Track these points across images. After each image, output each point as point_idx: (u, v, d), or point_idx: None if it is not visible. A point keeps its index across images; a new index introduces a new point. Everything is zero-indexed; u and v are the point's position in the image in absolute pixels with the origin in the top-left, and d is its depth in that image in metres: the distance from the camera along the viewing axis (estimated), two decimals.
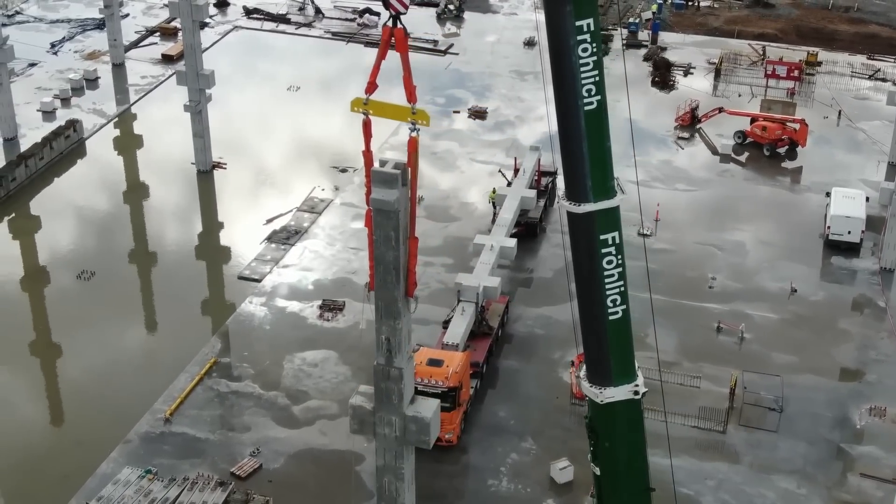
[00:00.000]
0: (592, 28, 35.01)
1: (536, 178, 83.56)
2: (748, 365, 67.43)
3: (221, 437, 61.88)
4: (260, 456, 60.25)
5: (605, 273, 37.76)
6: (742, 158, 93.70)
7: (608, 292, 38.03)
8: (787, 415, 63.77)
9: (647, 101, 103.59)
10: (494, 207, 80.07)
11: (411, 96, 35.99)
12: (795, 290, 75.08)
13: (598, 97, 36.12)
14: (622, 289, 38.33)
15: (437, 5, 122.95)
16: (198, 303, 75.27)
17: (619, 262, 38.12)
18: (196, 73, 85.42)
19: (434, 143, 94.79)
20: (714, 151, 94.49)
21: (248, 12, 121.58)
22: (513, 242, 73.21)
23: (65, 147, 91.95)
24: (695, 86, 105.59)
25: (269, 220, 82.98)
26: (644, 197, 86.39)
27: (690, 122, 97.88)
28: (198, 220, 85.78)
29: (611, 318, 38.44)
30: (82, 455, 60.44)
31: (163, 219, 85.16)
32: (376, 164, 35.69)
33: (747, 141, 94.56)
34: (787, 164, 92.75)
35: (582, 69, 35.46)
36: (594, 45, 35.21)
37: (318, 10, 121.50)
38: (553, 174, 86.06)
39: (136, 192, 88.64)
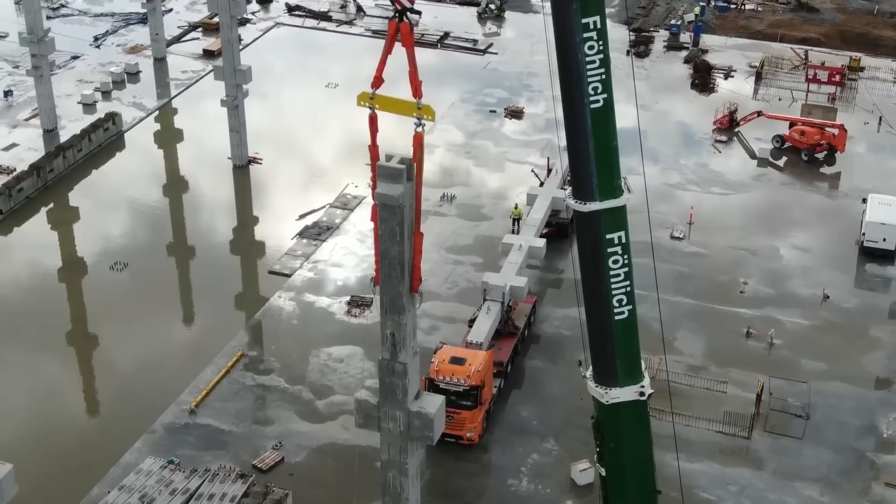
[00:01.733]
0: (599, 26, 34.91)
1: (570, 178, 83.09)
2: (777, 371, 66.86)
3: (245, 430, 62.25)
4: (282, 449, 60.57)
5: (611, 273, 37.59)
6: (780, 163, 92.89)
7: (614, 292, 37.85)
8: (813, 422, 63.15)
9: (686, 103, 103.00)
10: (515, 224, 79.50)
11: (417, 91, 36.00)
12: (828, 297, 74.30)
13: (605, 95, 35.98)
14: (628, 289, 38.14)
15: (478, 4, 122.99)
16: (228, 296, 75.76)
17: (626, 261, 37.94)
18: (233, 68, 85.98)
19: (469, 141, 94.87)
20: (752, 155, 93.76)
21: (291, 9, 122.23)
22: (542, 243, 73.03)
23: (103, 139, 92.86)
24: (735, 89, 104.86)
25: (302, 216, 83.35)
26: (678, 200, 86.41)
27: (729, 126, 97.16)
28: (233, 214, 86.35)
29: (616, 318, 38.27)
30: (107, 444, 61.01)
31: (198, 213, 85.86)
32: (382, 159, 35.76)
33: (785, 145, 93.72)
34: (825, 170, 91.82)
35: (588, 67, 35.36)
36: (600, 42, 35.10)
37: (359, 8, 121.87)
38: None
39: (173, 185, 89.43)
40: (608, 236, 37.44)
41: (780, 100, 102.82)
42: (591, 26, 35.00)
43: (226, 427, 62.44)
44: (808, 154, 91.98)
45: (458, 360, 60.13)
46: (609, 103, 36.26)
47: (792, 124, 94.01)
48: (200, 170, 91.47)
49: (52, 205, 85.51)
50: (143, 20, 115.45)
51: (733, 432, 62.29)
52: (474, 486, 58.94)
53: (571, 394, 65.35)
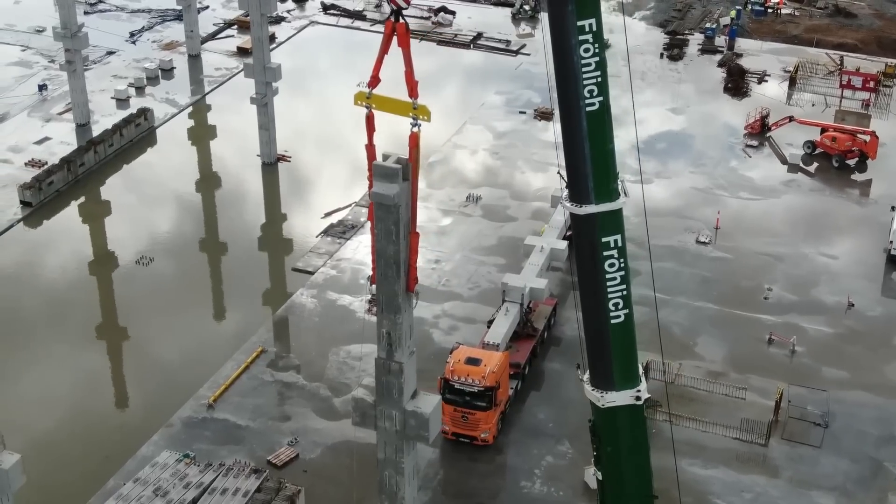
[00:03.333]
0: (595, 28, 34.78)
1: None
2: (797, 378, 66.39)
3: (261, 426, 62.63)
4: (297, 445, 60.90)
5: (608, 276, 37.45)
6: (811, 169, 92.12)
7: (610, 296, 37.70)
8: (832, 430, 62.62)
9: (718, 107, 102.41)
10: None
11: (412, 91, 36.11)
12: (853, 305, 73.62)
13: (601, 98, 35.82)
14: (625, 293, 37.97)
15: (512, 5, 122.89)
16: (252, 292, 76.26)
17: (622, 265, 37.78)
18: (263, 66, 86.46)
19: (497, 142, 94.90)
20: (783, 161, 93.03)
21: (326, 8, 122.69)
22: (564, 245, 72.80)
23: (135, 135, 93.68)
24: (768, 93, 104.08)
25: (327, 214, 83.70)
26: (706, 204, 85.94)
27: (760, 131, 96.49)
28: (261, 211, 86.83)
29: (613, 321, 38.09)
30: (125, 437, 61.68)
31: (226, 209, 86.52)
32: (379, 158, 35.90)
33: (817, 151, 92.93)
34: (856, 177, 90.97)
35: (584, 69, 35.23)
36: (596, 45, 34.95)
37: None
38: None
39: (202, 181, 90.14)
40: (604, 239, 37.31)
41: (813, 105, 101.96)
42: (587, 29, 34.90)
43: (243, 422, 62.85)
44: (838, 160, 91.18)
45: (473, 361, 60.14)
46: (605, 106, 36.10)
47: (823, 130, 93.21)
48: (230, 166, 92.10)
49: (82, 198, 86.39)
50: (179, 17, 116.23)
51: (750, 439, 61.88)
52: (488, 486, 58.95)
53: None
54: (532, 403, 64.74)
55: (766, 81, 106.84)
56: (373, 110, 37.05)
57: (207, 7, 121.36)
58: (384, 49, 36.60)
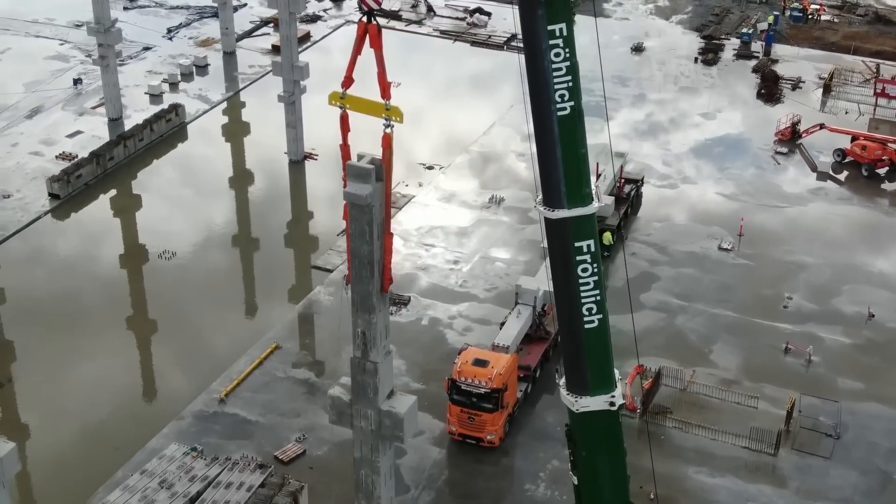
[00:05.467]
0: (565, 33, 34.74)
1: (619, 184, 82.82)
2: (812, 389, 65.79)
3: (271, 421, 63.10)
4: (305, 442, 61.27)
5: (581, 281, 37.38)
6: (841, 177, 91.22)
7: (584, 301, 37.63)
8: (843, 442, 62.01)
9: (750, 113, 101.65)
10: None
11: (385, 93, 36.32)
12: (873, 315, 72.81)
13: (572, 103, 35.76)
14: (598, 298, 37.88)
15: None
16: (271, 289, 77.00)
17: (595, 270, 37.68)
18: (291, 64, 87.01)
19: (523, 144, 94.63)
20: (812, 168, 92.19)
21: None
22: None
23: (165, 130, 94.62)
24: (802, 100, 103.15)
25: None
26: (731, 211, 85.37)
27: (791, 137, 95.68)
28: (287, 208, 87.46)
29: (587, 326, 38.02)
30: (136, 429, 62.38)
31: (252, 206, 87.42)
32: (354, 158, 36.14)
33: (847, 160, 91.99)
34: (886, 186, 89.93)
35: (555, 74, 35.18)
36: (567, 50, 34.89)
37: (429, 8, 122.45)
38: (638, 182, 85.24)
39: (229, 177, 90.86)
40: (577, 244, 37.24)
41: (846, 113, 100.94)
42: (558, 33, 34.85)
43: (252, 417, 63.37)
44: (868, 169, 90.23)
45: (480, 363, 60.20)
46: (577, 111, 36.02)
47: (854, 138, 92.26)
48: (258, 163, 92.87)
49: (112, 192, 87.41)
50: (216, 14, 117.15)
51: (759, 448, 61.41)
52: (492, 488, 59.00)
53: None
54: (542, 407, 64.67)
55: (801, 88, 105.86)
56: (347, 111, 37.26)
57: (245, 4, 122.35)
58: (357, 50, 36.92)
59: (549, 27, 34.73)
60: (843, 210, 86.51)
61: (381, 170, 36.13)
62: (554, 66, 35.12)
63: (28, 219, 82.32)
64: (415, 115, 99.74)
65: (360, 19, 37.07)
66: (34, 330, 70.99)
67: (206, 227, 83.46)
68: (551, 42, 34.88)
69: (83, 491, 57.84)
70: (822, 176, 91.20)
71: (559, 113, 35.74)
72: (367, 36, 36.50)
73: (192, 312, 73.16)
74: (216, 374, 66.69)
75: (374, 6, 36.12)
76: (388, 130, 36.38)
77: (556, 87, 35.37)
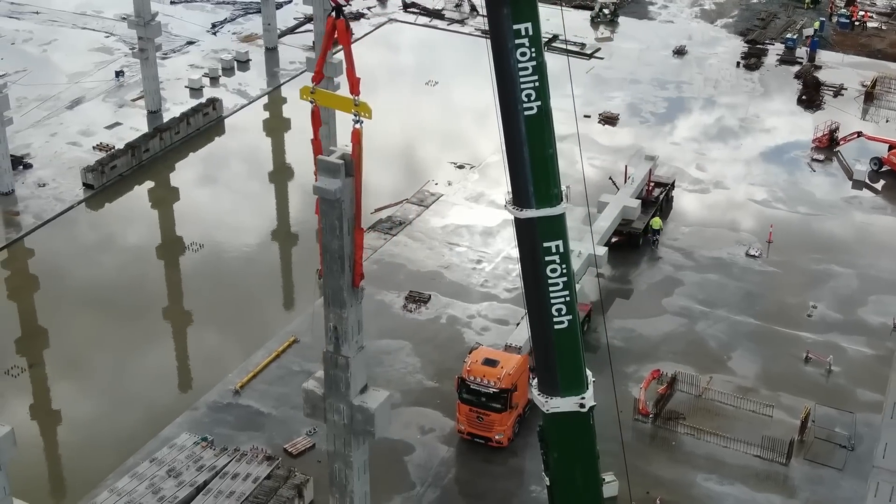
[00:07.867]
0: (531, 33, 34.65)
1: (648, 188, 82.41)
2: (830, 399, 65.08)
3: (283, 414, 63.60)
4: (315, 436, 61.62)
5: (550, 281, 37.29)
6: (877, 186, 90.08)
7: (553, 301, 37.55)
8: (857, 453, 61.23)
9: (789, 119, 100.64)
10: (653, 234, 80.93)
11: (354, 88, 36.52)
12: None
13: (539, 103, 35.66)
14: (567, 299, 37.77)
15: (591, 8, 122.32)
16: (298, 284, 77.60)
17: (564, 271, 37.57)
18: (326, 61, 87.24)
19: (558, 145, 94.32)
20: (848, 176, 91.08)
21: (406, 6, 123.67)
22: (603, 251, 72.38)
23: (202, 124, 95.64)
24: (843, 107, 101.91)
25: (378, 210, 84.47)
26: (761, 217, 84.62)
27: (828, 145, 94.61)
28: (312, 204, 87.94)
29: (556, 327, 37.93)
30: (151, 417, 63.20)
31: (281, 199, 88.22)
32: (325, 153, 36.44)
33: (884, 168, 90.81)
34: None
35: (521, 74, 35.09)
36: (533, 49, 34.80)
37: (472, 8, 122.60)
38: (668, 185, 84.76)
39: (262, 171, 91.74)
40: (545, 244, 37.15)
41: (887, 121, 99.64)
42: (523, 32, 34.75)
43: (265, 410, 63.96)
44: None
45: (490, 362, 60.26)
46: (544, 111, 35.94)
47: (892, 147, 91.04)
48: (289, 158, 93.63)
49: (147, 183, 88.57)
50: (260, 10, 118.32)
51: (771, 457, 60.88)
52: (498, 488, 59.07)
53: (613, 406, 64.64)
54: None
55: (842, 95, 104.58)
56: (317, 105, 37.58)
57: (291, 1, 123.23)
58: (326, 45, 37.23)
59: (515, 26, 34.64)
60: (876, 219, 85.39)
61: (352, 165, 36.37)
62: (520, 65, 35.03)
63: (62, 207, 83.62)
64: (450, 114, 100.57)
65: (328, 15, 37.34)
66: (64, 318, 72.10)
67: (234, 219, 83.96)
68: (517, 41, 34.79)
69: (94, 477, 58.73)
70: (858, 184, 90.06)
71: (526, 113, 35.71)
72: (336, 31, 36.68)
73: (212, 304, 73.95)
74: (233, 365, 67.43)
75: (343, 2, 36.41)
76: (358, 126, 36.60)
77: (523, 86, 35.28)
